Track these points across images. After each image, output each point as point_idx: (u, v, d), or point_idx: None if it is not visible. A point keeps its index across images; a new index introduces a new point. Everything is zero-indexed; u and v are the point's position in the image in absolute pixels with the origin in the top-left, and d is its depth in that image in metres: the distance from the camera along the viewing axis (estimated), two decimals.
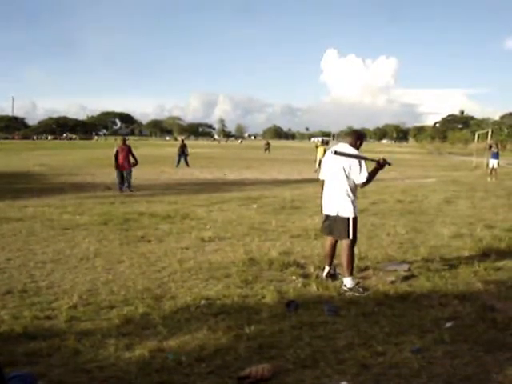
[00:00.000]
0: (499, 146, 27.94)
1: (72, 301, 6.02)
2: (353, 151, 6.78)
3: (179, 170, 29.53)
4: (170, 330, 5.19)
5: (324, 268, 7.31)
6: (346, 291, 6.59)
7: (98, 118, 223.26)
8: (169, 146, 69.98)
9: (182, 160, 31.96)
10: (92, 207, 13.64)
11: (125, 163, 18.44)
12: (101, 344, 4.85)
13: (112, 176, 19.96)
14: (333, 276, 7.23)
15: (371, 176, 6.75)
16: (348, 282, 6.69)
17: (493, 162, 26.74)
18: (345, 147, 6.90)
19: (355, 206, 6.84)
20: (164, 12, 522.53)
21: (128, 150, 18.65)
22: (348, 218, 6.78)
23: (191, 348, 4.78)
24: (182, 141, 34.50)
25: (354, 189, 6.85)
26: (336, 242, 7.20)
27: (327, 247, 7.30)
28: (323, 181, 7.18)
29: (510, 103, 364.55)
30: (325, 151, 27.73)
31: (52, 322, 5.44)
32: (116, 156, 18.41)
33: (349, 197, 6.78)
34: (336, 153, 6.71)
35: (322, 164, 7.32)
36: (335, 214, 6.90)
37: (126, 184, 18.38)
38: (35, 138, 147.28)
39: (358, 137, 7.09)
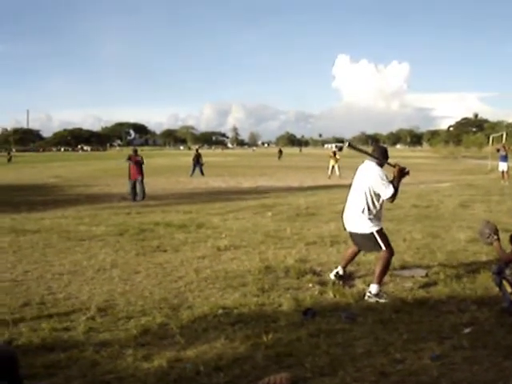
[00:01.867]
0: (507, 149, 27.65)
1: (90, 312, 6.04)
2: (378, 170, 6.83)
3: (194, 179, 29.61)
4: (188, 340, 5.19)
5: (337, 267, 7.42)
6: (369, 297, 6.56)
7: (112, 129, 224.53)
8: (183, 156, 70.33)
9: (197, 169, 31.98)
10: (108, 218, 13.71)
11: (135, 173, 18.93)
12: (119, 355, 4.86)
13: (127, 187, 20.05)
14: (340, 278, 7.32)
15: (396, 187, 6.74)
16: (374, 288, 6.62)
17: (502, 166, 26.54)
18: (370, 165, 6.96)
19: (374, 220, 6.81)
20: (176, 22, 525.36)
21: (138, 161, 19.15)
22: (372, 233, 6.77)
23: (209, 357, 4.78)
24: (197, 150, 34.48)
25: (373, 206, 6.83)
26: (359, 251, 7.33)
27: (349, 252, 7.51)
28: None
29: None
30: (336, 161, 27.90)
31: (70, 333, 5.46)
32: (130, 167, 18.96)
33: (364, 214, 6.79)
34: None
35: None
36: (355, 231, 6.99)
37: (138, 194, 18.74)
38: (55, 149, 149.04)
39: (382, 153, 7.07)
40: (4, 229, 11.94)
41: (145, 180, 19.45)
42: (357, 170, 7.21)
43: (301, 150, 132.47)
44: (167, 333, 5.42)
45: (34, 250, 9.66)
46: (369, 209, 6.79)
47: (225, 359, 4.73)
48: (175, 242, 10.21)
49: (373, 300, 6.50)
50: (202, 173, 31.96)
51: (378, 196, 6.77)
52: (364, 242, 6.97)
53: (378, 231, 6.76)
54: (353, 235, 7.13)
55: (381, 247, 6.76)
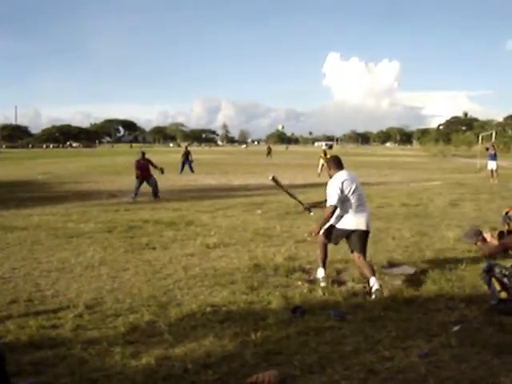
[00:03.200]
0: (496, 148, 27.80)
1: (77, 309, 6.02)
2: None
3: (183, 176, 29.53)
4: (176, 338, 5.17)
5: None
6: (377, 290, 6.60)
7: (102, 126, 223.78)
8: (172, 153, 70.18)
9: (187, 166, 31.97)
10: (97, 215, 13.65)
11: (146, 173, 18.82)
12: (107, 352, 4.83)
13: (116, 184, 20.02)
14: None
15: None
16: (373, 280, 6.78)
17: (491, 164, 26.66)
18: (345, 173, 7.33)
19: None
20: (167, 20, 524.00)
21: (148, 163, 19.19)
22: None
23: (198, 355, 4.76)
24: (186, 147, 34.32)
25: None
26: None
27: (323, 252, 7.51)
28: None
29: None
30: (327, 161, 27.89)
31: (58, 331, 5.43)
32: (137, 167, 18.89)
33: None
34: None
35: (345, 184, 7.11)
36: (367, 229, 7.21)
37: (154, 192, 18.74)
38: (45, 146, 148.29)
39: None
40: None
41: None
42: (347, 178, 7.20)
43: (287, 148, 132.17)
44: (155, 330, 5.40)
45: (21, 246, 9.60)
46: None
47: (213, 357, 4.71)
48: (164, 240, 10.18)
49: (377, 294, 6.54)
50: (192, 170, 31.89)
51: None
52: (364, 239, 7.19)
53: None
54: (357, 234, 7.14)
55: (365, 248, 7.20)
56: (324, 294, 6.62)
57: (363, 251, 7.14)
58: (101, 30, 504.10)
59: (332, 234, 7.31)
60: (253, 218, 13.14)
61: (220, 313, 5.94)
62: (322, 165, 29.86)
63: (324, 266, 7.39)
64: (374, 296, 6.54)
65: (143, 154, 19.64)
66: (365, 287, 6.91)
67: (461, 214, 14.04)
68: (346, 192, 7.05)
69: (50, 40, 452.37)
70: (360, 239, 7.13)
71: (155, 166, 19.32)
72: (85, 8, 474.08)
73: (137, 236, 10.56)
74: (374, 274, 6.84)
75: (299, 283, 7.13)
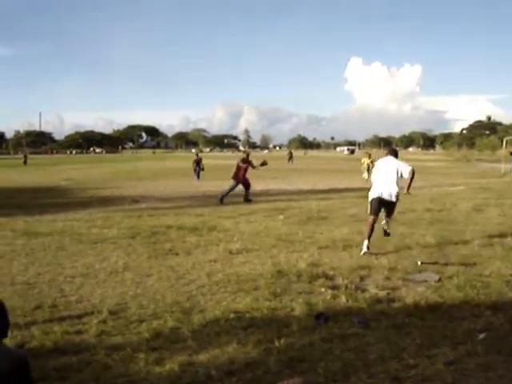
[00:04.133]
0: None
1: (102, 315, 6.06)
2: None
3: (204, 182, 29.60)
4: (200, 344, 5.18)
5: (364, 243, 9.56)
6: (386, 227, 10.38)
7: (124, 132, 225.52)
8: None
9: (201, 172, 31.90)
10: (120, 221, 13.73)
11: (242, 175, 19.70)
12: (131, 358, 4.86)
13: (139, 189, 20.20)
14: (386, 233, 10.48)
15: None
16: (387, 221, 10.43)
17: None
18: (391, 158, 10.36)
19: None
20: (188, 25, 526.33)
21: (248, 164, 20.07)
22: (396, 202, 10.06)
23: (221, 362, 4.77)
24: (197, 154, 34.27)
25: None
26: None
27: (370, 227, 9.78)
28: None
29: None
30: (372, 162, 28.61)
31: (82, 336, 5.47)
32: (238, 168, 19.64)
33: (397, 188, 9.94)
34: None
35: (375, 169, 10.71)
36: (391, 200, 9.92)
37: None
38: (68, 152, 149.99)
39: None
40: (17, 231, 11.98)
41: (158, 182, 19.44)
42: (376, 164, 10.88)
43: (305, 153, 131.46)
44: (179, 336, 5.41)
45: (46, 252, 9.69)
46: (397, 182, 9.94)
47: (237, 364, 4.72)
48: (187, 245, 10.21)
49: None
50: (198, 177, 31.65)
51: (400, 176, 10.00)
52: (391, 206, 10.09)
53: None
54: (384, 202, 9.94)
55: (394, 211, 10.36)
56: (347, 301, 6.58)
57: (387, 215, 10.37)
58: (122, 36, 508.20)
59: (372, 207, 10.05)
60: (275, 224, 13.12)
61: (243, 319, 5.93)
62: (368, 166, 29.92)
63: (369, 239, 9.58)
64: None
65: (248, 154, 20.66)
66: (388, 294, 6.88)
67: (485, 219, 13.89)
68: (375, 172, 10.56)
69: (72, 46, 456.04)
70: (384, 207, 10.10)
71: (255, 167, 20.34)
72: (107, 14, 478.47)
73: (160, 242, 10.60)
74: (367, 237, 9.64)
75: (322, 290, 7.09)
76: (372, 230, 9.70)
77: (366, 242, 9.51)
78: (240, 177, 19.63)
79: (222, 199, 18.73)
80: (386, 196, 9.88)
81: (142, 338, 5.39)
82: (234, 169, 20.19)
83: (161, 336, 5.43)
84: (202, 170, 32.13)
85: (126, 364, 4.75)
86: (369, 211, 10.08)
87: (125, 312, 6.23)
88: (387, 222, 10.48)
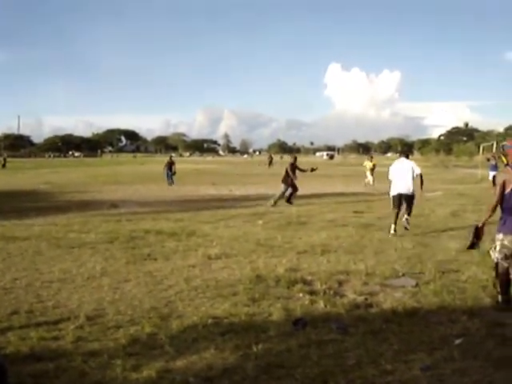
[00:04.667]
0: (497, 158, 27.83)
1: (78, 321, 6.01)
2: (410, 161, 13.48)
3: (184, 187, 29.51)
4: (178, 350, 5.16)
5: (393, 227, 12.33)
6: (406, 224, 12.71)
7: (104, 136, 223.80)
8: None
9: (167, 177, 31.25)
10: (98, 225, 13.63)
11: (292, 179, 20.13)
12: (108, 365, 4.82)
13: (118, 193, 20.13)
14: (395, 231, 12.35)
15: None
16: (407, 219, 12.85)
17: (492, 175, 26.70)
18: (404, 159, 13.46)
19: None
20: (170, 30, 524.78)
21: (296, 167, 20.62)
22: (414, 194, 12.90)
23: (199, 368, 4.75)
24: (170, 157, 33.33)
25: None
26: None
27: (397, 214, 12.70)
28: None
29: None
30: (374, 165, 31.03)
31: (59, 342, 5.42)
32: (287, 172, 20.21)
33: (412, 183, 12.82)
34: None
35: (392, 169, 13.34)
36: (409, 193, 12.79)
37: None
38: (47, 156, 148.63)
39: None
40: None
41: (137, 187, 19.39)
42: (393, 165, 13.54)
43: (282, 157, 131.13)
44: (156, 343, 5.38)
45: (23, 257, 9.60)
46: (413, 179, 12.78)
47: (214, 370, 4.70)
48: (166, 250, 10.17)
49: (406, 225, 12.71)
50: (172, 181, 31.07)
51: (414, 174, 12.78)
52: (410, 199, 12.82)
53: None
54: (404, 196, 12.78)
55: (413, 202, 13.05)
56: (326, 306, 6.60)
57: (408, 209, 12.94)
58: (102, 39, 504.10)
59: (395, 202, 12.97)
60: (254, 229, 13.13)
61: (221, 325, 5.92)
62: (372, 169, 30.03)
63: (395, 224, 12.38)
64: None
65: (295, 158, 21.29)
66: (366, 299, 6.91)
67: (462, 224, 13.99)
68: (393, 170, 13.29)
69: (51, 49, 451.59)
70: (405, 200, 12.86)
71: (304, 170, 21.40)
72: (86, 17, 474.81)
73: (138, 247, 10.55)
74: (395, 223, 12.44)
75: (301, 295, 7.11)
76: (397, 217, 12.58)
77: (393, 226, 12.33)
78: (289, 181, 20.04)
79: (276, 202, 19.27)
80: (405, 191, 12.71)
81: (119, 344, 5.36)
82: (283, 173, 20.69)
83: (138, 342, 5.40)
84: (174, 174, 31.44)
85: (103, 370, 4.72)
86: (392, 206, 12.97)
87: (102, 318, 6.19)
88: (407, 220, 12.76)
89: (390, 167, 13.47)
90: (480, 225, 6.81)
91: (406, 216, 12.76)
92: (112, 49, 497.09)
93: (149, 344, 5.36)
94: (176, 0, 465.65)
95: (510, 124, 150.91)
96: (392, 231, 12.18)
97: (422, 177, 12.80)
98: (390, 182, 13.25)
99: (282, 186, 20.09)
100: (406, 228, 12.66)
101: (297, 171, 20.63)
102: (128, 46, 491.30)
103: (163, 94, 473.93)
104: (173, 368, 4.76)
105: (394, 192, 12.91)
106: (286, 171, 20.32)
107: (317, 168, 22.75)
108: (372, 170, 30.85)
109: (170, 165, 31.42)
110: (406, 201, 12.73)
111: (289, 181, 20.03)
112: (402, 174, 12.84)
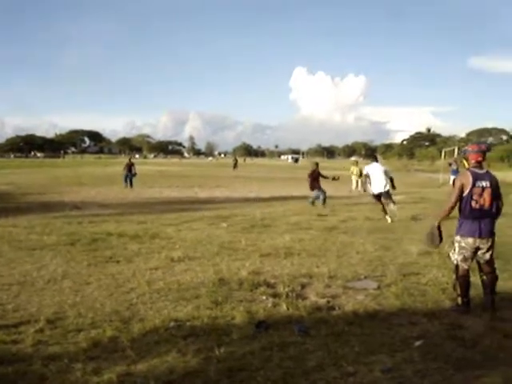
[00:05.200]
0: (458, 163, 28.32)
1: (39, 324, 5.92)
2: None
3: (149, 189, 29.31)
4: (139, 354, 5.13)
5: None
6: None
7: (67, 136, 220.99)
8: (138, 165, 69.53)
9: (127, 179, 30.18)
10: (60, 227, 13.45)
11: (317, 184, 20.57)
12: (68, 369, 4.77)
13: (80, 195, 19.92)
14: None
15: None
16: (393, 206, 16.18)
17: (453, 179, 27.12)
18: (377, 164, 16.69)
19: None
20: (134, 30, 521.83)
21: (318, 173, 20.92)
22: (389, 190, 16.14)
23: (160, 372, 4.73)
24: (130, 159, 31.94)
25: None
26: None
27: (381, 207, 16.33)
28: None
29: (475, 121, 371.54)
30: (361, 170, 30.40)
31: (18, 346, 5.34)
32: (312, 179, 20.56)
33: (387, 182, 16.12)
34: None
35: (368, 172, 16.63)
36: (386, 191, 15.98)
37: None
38: (7, 156, 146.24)
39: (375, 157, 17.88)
40: None
41: (100, 189, 19.19)
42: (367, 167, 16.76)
43: (245, 160, 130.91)
44: (118, 346, 5.34)
45: None
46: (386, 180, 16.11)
47: (176, 373, 4.69)
48: (128, 253, 10.09)
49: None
50: (132, 184, 29.88)
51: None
52: (386, 193, 15.96)
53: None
54: (383, 193, 16.01)
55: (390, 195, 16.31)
56: (288, 309, 6.62)
57: (390, 200, 16.24)
58: (65, 39, 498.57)
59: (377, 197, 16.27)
60: (218, 232, 13.10)
61: (184, 328, 5.90)
62: (359, 174, 30.03)
63: (386, 213, 15.93)
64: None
65: (317, 164, 21.53)
66: (328, 302, 6.96)
67: (423, 228, 14.17)
68: (370, 174, 16.41)
69: (14, 48, 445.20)
70: (383, 196, 16.11)
71: (327, 177, 21.59)
72: (51, 17, 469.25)
73: (100, 249, 10.44)
74: (386, 213, 15.99)
75: (264, 298, 7.12)
76: (384, 208, 16.15)
77: (387, 216, 15.80)
78: (316, 186, 20.47)
79: (325, 201, 20.16)
80: (382, 189, 16.01)
81: (80, 347, 5.30)
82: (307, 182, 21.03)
83: (99, 345, 5.35)
84: (134, 175, 30.41)
85: (63, 374, 4.66)
86: (375, 201, 16.66)
87: (62, 321, 6.11)
88: (393, 210, 16.12)
89: (366, 168, 16.91)
90: (436, 224, 6.92)
91: (392, 207, 16.19)
92: (75, 49, 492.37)
93: (110, 347, 5.31)
94: (139, 4, 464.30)
95: (471, 129, 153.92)
96: (389, 220, 15.66)
97: (392, 180, 16.50)
98: (365, 179, 17.27)
99: (314, 192, 20.52)
100: (393, 216, 15.87)
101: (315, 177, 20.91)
102: (92, 47, 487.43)
103: (128, 96, 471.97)
104: (134, 372, 4.73)
105: (374, 191, 16.26)
106: (310, 177, 20.68)
107: (339, 178, 22.95)
108: (359, 174, 30.88)
109: (130, 166, 30.33)
110: (384, 196, 16.07)
111: (316, 185, 20.51)
112: (378, 176, 16.13)
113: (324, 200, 20.20)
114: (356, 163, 33.10)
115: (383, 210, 15.98)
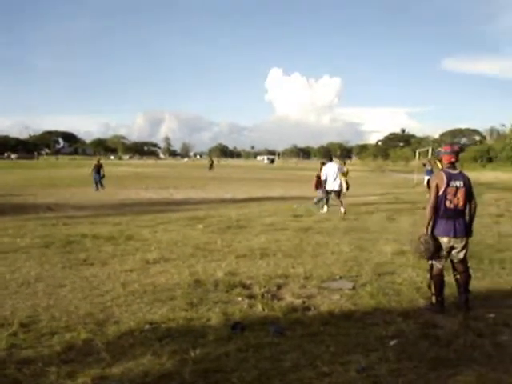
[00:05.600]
0: (432, 164, 28.60)
1: (12, 328, 5.85)
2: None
3: (124, 190, 29.13)
4: (114, 356, 5.09)
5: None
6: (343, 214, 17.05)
7: (41, 137, 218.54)
8: (113, 166, 69.27)
9: (94, 181, 29.21)
10: (33, 229, 13.30)
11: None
12: (42, 372, 4.72)
13: (54, 197, 19.73)
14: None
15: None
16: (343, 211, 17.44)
17: (427, 179, 27.37)
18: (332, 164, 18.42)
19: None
20: (108, 31, 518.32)
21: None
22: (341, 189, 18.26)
23: (135, 374, 4.70)
24: (98, 160, 30.91)
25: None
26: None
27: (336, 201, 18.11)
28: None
29: (449, 121, 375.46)
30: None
31: None
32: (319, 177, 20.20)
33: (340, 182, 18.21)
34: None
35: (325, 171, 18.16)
36: (338, 190, 17.92)
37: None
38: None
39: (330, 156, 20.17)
40: None
41: (75, 190, 19.04)
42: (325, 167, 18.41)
43: (218, 161, 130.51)
44: (92, 349, 5.30)
45: None
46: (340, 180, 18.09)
47: (151, 376, 4.66)
48: (103, 255, 10.00)
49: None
50: (101, 185, 29.20)
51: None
52: (338, 193, 17.80)
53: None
54: (335, 191, 17.89)
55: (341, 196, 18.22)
56: (264, 310, 6.63)
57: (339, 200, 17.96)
58: (39, 40, 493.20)
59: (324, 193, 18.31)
60: (194, 233, 13.06)
61: (159, 330, 5.87)
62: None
63: (328, 205, 18.50)
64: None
65: (323, 164, 20.87)
66: (304, 302, 6.98)
67: (398, 228, 14.32)
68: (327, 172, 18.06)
69: None
70: (334, 193, 18.01)
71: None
72: (21, 18, 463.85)
73: (75, 251, 10.34)
74: (327, 205, 18.42)
75: (239, 299, 7.12)
76: (328, 201, 18.59)
77: (325, 207, 18.57)
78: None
79: (328, 202, 19.60)
80: (336, 187, 17.94)
81: (54, 351, 5.25)
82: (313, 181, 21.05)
83: (73, 349, 5.30)
84: (103, 177, 29.49)
85: (37, 378, 4.62)
86: (323, 195, 18.56)
87: (36, 324, 6.04)
88: (344, 212, 17.34)
89: (324, 167, 18.51)
90: (425, 232, 6.90)
91: (342, 210, 17.42)
92: (49, 50, 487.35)
93: (84, 350, 5.26)
94: (113, 1, 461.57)
95: (445, 130, 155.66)
96: (325, 210, 18.29)
97: (347, 181, 20.55)
98: (324, 180, 18.15)
99: (319, 192, 20.14)
100: (343, 217, 16.77)
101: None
102: (65, 48, 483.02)
103: (102, 97, 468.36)
104: (109, 375, 4.69)
105: (328, 188, 18.05)
106: (317, 178, 20.51)
107: (348, 187, 22.78)
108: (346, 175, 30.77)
109: (98, 168, 29.46)
110: (335, 193, 18.05)
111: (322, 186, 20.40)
112: (332, 175, 17.95)
113: (327, 200, 20.17)
114: (343, 163, 33.09)
115: (326, 202, 18.49)
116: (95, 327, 5.92)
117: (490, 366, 5.01)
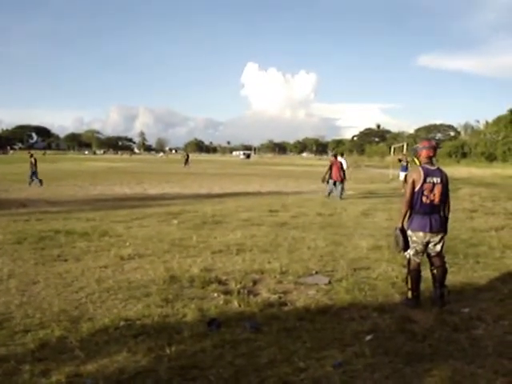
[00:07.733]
0: (408, 159, 28.81)
1: None
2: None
3: (97, 186, 28.89)
4: (88, 354, 5.04)
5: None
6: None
7: (13, 132, 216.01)
8: (88, 161, 68.67)
9: (34, 177, 28.27)
10: (6, 225, 13.11)
11: (337, 175, 22.39)
12: (15, 370, 4.66)
13: (26, 192, 19.51)
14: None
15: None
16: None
17: (403, 175, 27.56)
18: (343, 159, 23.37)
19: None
20: (83, 25, 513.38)
21: (340, 165, 22.75)
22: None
23: (110, 372, 4.65)
24: (32, 155, 29.44)
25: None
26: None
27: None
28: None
29: (424, 117, 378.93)
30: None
31: None
32: (330, 168, 22.60)
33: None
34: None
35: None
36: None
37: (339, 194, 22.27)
38: None
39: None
40: None
41: (60, 185, 18.79)
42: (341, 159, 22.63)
43: (188, 156, 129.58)
44: (66, 346, 5.23)
45: None
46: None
47: (126, 373, 4.62)
48: (76, 251, 9.90)
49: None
50: (32, 180, 28.17)
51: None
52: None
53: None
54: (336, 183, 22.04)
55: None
56: (240, 306, 6.60)
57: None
58: (14, 32, 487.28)
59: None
60: (169, 229, 12.98)
61: (134, 327, 5.82)
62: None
63: (329, 195, 22.03)
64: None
65: (335, 155, 23.45)
66: (280, 297, 6.97)
67: (373, 223, 14.39)
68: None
69: None
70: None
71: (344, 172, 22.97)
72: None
73: (48, 247, 10.21)
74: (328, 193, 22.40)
75: (215, 295, 7.09)
76: (331, 191, 22.09)
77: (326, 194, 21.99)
78: (332, 177, 22.62)
79: (329, 195, 22.52)
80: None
81: (27, 348, 5.17)
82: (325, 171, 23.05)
83: (47, 346, 5.23)
84: (34, 173, 28.11)
85: (10, 377, 4.55)
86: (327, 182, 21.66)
87: (9, 322, 5.95)
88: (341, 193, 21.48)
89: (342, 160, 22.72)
90: (400, 226, 6.95)
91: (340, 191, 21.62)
92: (21, 43, 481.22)
93: (58, 348, 5.20)
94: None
95: (419, 125, 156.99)
96: (326, 193, 22.07)
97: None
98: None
99: (330, 183, 22.69)
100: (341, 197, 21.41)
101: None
102: (38, 41, 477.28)
103: (76, 91, 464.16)
104: (83, 372, 4.64)
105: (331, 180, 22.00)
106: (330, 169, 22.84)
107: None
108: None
109: (34, 163, 28.36)
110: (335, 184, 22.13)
111: (331, 177, 22.60)
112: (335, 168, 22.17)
113: (330, 192, 22.45)
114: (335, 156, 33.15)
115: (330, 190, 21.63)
116: (69, 324, 5.85)
117: (465, 360, 5.05)
